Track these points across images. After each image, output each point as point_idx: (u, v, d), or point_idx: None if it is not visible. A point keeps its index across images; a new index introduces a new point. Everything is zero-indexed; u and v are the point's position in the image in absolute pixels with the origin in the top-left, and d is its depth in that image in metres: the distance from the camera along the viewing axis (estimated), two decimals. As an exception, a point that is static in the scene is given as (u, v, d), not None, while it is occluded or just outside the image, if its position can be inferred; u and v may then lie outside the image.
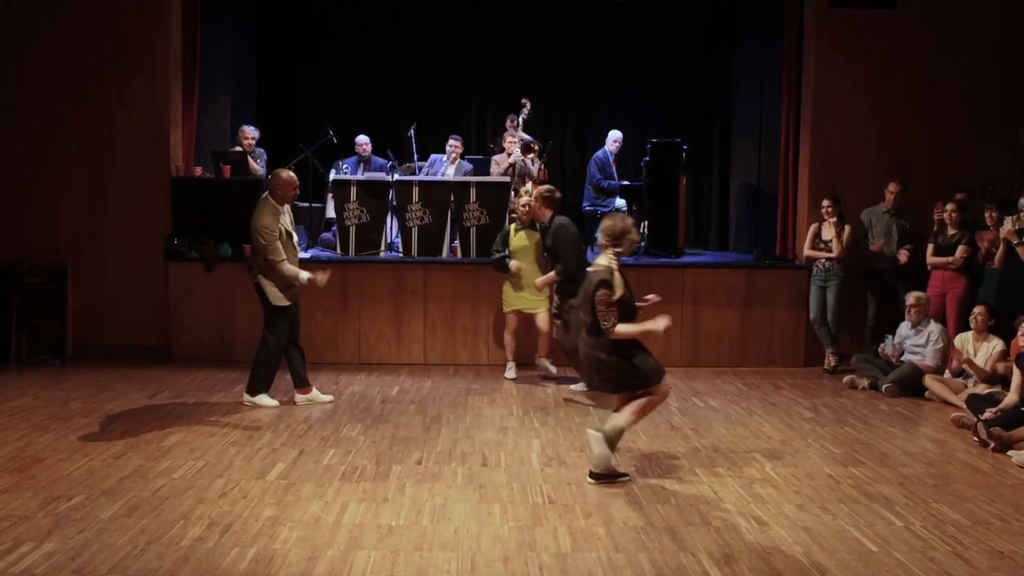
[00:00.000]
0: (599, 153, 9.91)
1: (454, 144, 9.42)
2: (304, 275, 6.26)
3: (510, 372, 7.61)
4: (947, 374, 7.11)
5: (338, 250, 8.52)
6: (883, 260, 8.04)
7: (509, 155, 9.22)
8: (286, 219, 6.39)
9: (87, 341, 8.19)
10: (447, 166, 9.38)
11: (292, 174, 6.40)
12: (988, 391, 6.46)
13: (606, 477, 4.88)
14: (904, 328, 7.41)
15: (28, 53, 8.11)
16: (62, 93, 8.14)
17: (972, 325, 6.83)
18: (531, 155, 9.28)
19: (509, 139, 9.37)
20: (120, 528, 4.16)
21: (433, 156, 9.55)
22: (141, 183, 8.19)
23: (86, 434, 5.69)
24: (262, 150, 9.11)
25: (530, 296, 7.30)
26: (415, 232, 8.45)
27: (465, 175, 9.26)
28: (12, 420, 6.01)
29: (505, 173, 9.23)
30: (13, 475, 4.88)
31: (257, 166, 8.84)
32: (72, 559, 3.82)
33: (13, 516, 4.28)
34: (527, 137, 9.76)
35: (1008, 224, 6.91)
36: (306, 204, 9.40)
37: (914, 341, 7.32)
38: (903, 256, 7.92)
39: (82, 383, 7.17)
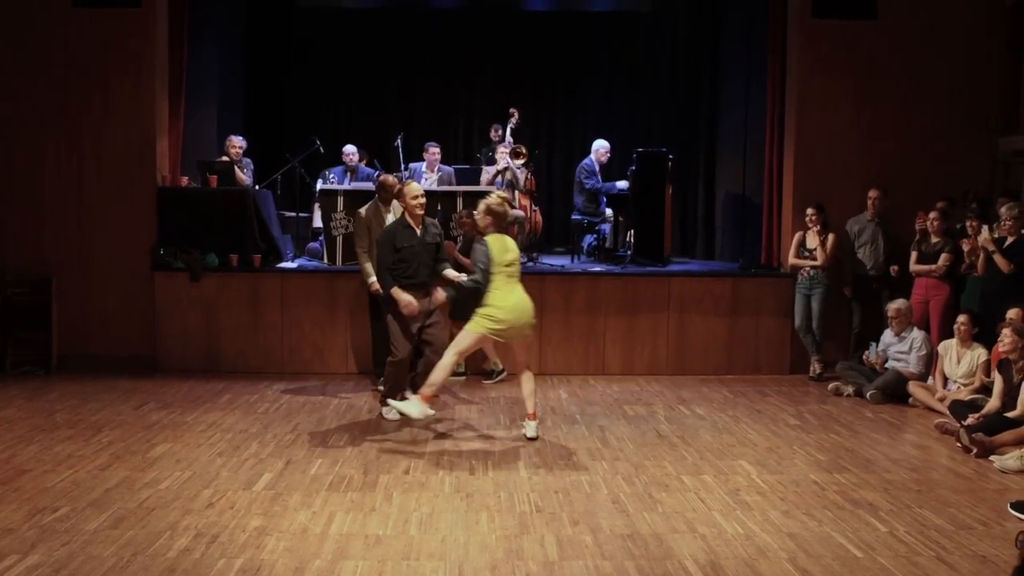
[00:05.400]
0: (585, 161, 9.95)
1: (433, 151, 9.45)
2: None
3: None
4: (930, 380, 7.17)
5: (325, 259, 8.51)
6: (867, 268, 8.10)
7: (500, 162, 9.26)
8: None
9: (72, 352, 8.14)
10: (427, 174, 9.40)
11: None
12: (971, 397, 6.51)
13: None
14: (888, 335, 7.47)
15: (12, 63, 8.09)
16: (46, 102, 8.10)
17: (956, 335, 6.88)
18: (520, 160, 9.31)
19: (501, 150, 9.41)
20: (106, 540, 4.14)
21: (413, 165, 9.57)
22: (127, 193, 8.16)
23: (71, 445, 5.66)
24: (249, 160, 9.11)
25: None
26: (402, 242, 8.46)
27: (446, 181, 9.29)
28: (-4, 432, 5.97)
29: (492, 181, 9.26)
30: (-3, 487, 4.85)
31: (244, 176, 8.83)
32: (57, 571, 3.80)
33: (-2, 528, 4.27)
34: (514, 144, 9.79)
35: (985, 232, 6.98)
36: (293, 214, 9.41)
37: (898, 348, 7.37)
38: (893, 271, 7.98)
39: (67, 394, 7.13)
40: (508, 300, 5.77)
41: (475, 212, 6.16)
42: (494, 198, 5.99)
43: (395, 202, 7.21)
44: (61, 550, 4.02)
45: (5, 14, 8.07)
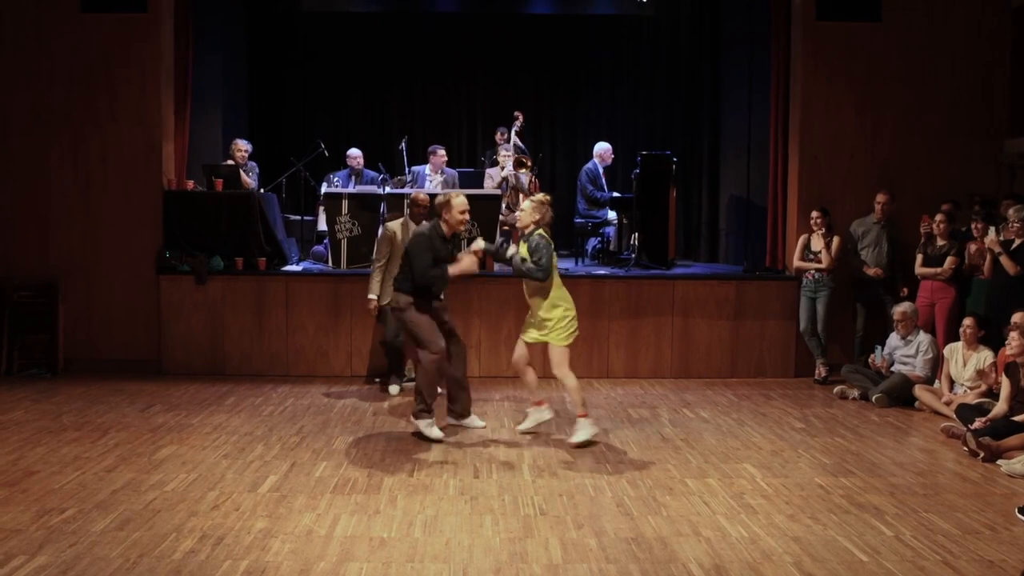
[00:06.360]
0: (589, 165, 9.97)
1: (440, 154, 9.46)
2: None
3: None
4: (936, 384, 7.15)
5: (329, 263, 8.53)
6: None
7: (503, 169, 9.26)
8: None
9: (78, 355, 8.17)
10: (431, 176, 9.41)
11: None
12: (977, 401, 6.49)
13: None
14: (894, 339, 7.45)
15: (17, 67, 8.12)
16: (52, 107, 8.14)
17: (961, 338, 6.86)
18: (523, 169, 9.34)
19: (503, 154, 9.42)
20: (112, 541, 4.15)
21: (416, 168, 9.58)
22: (133, 197, 8.20)
23: (78, 447, 5.68)
24: (254, 163, 9.14)
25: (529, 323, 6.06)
26: (407, 245, 8.46)
27: (450, 184, 9.29)
28: (4, 434, 5.99)
29: (499, 185, 9.27)
30: (5, 489, 4.87)
31: (249, 180, 8.86)
32: (64, 572, 3.81)
33: (5, 529, 4.28)
34: (520, 145, 9.81)
35: (991, 234, 6.97)
36: (298, 217, 9.43)
37: (904, 351, 7.36)
38: (902, 293, 7.96)
39: (73, 396, 7.15)
40: (569, 298, 5.92)
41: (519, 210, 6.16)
42: (540, 196, 5.98)
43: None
44: (68, 551, 4.03)
45: (12, 18, 8.10)
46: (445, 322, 6.13)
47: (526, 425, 6.27)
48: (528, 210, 5.92)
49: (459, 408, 6.31)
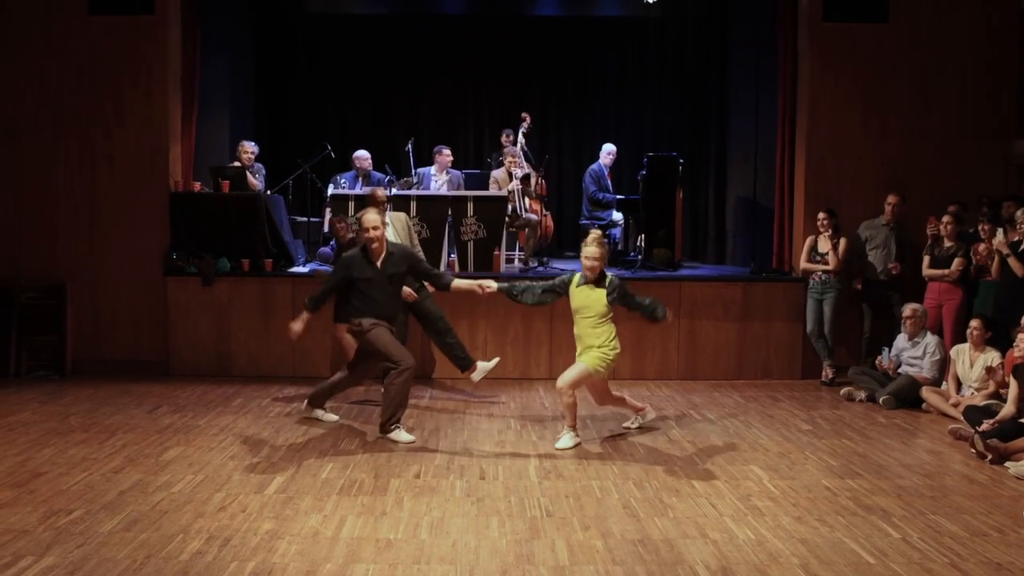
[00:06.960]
0: (594, 166, 9.98)
1: (445, 154, 9.47)
2: None
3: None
4: (944, 385, 7.13)
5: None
6: (878, 272, 8.07)
7: (510, 174, 9.26)
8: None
9: (86, 356, 8.20)
10: (436, 177, 9.41)
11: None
12: (985, 403, 6.47)
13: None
14: (901, 340, 7.43)
15: (24, 68, 8.15)
16: (59, 109, 8.17)
17: (968, 339, 6.84)
18: (531, 187, 9.35)
19: (510, 158, 9.42)
20: (119, 542, 4.17)
21: (421, 169, 9.60)
22: (140, 198, 8.22)
23: (85, 448, 5.70)
24: (260, 165, 9.17)
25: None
26: (413, 246, 8.48)
27: (455, 185, 9.30)
28: (11, 435, 6.01)
29: (512, 189, 9.28)
30: (12, 489, 4.88)
31: (256, 181, 8.88)
32: (71, 573, 3.83)
33: (13, 530, 4.29)
34: (526, 149, 9.81)
35: (1000, 236, 6.95)
36: (304, 218, 9.44)
37: (911, 353, 7.34)
38: (895, 269, 7.94)
39: (81, 398, 7.18)
40: (617, 335, 5.87)
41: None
42: (597, 232, 5.83)
43: (392, 215, 7.19)
44: (76, 552, 4.05)
45: (19, 19, 8.14)
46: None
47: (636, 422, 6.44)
48: (603, 250, 5.71)
49: (319, 399, 6.50)
